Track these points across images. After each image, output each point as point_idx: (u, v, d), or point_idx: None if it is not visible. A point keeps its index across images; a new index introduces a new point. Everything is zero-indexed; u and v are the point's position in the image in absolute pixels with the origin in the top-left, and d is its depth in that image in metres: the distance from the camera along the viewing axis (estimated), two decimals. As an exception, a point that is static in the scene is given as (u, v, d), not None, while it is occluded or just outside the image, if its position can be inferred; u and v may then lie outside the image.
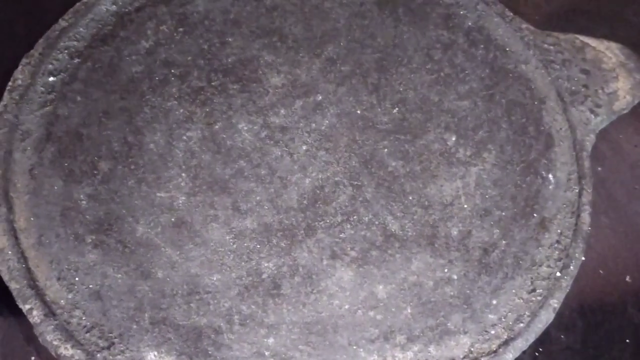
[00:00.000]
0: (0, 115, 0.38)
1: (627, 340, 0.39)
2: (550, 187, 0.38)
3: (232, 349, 0.33)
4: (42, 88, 0.40)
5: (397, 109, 0.42)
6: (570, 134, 0.40)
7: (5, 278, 0.34)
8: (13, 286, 0.33)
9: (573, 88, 0.42)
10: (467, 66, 0.43)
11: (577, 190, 0.38)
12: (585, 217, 0.37)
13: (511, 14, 0.45)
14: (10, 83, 0.39)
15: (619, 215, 0.43)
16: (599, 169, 0.44)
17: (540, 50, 0.43)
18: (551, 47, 0.43)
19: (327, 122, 0.41)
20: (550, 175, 0.38)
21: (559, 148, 0.40)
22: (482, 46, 0.44)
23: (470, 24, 0.45)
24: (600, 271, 0.41)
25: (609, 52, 0.43)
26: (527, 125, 0.41)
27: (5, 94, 0.39)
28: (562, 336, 0.38)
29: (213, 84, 0.42)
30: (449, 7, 0.45)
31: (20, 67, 0.40)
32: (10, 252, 0.34)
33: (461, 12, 0.45)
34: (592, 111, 0.41)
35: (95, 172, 0.38)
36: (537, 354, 0.37)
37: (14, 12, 0.47)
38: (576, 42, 0.44)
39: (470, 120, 0.41)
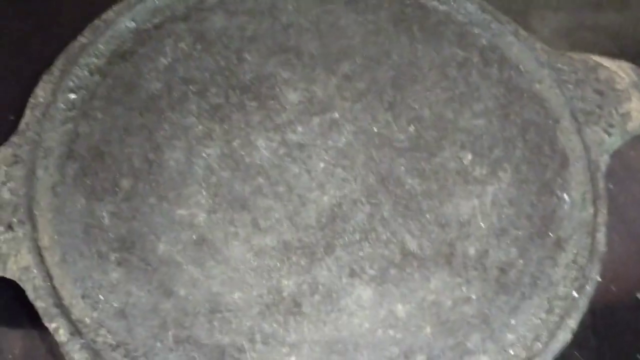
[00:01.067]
0: (22, 133, 0.39)
1: (638, 356, 0.40)
2: (566, 206, 0.39)
3: (254, 367, 0.34)
4: (63, 105, 0.40)
5: (412, 126, 0.42)
6: (584, 154, 0.41)
7: (31, 297, 0.34)
8: (39, 305, 0.34)
9: (587, 108, 0.42)
10: (482, 84, 0.44)
11: (592, 211, 0.39)
12: (601, 237, 0.38)
13: (525, 33, 0.46)
14: (31, 100, 0.40)
15: (630, 231, 0.44)
16: (611, 186, 0.44)
17: (554, 69, 0.44)
18: (565, 67, 0.44)
19: (344, 139, 0.41)
20: (565, 195, 0.39)
21: (573, 168, 0.40)
22: (496, 65, 0.44)
23: (484, 42, 0.45)
24: (612, 287, 0.42)
25: (621, 72, 0.43)
26: (542, 145, 0.41)
27: (27, 111, 0.39)
28: (575, 353, 0.39)
29: (231, 100, 0.42)
30: (462, 25, 0.46)
31: (41, 84, 0.40)
32: (35, 271, 0.34)
33: (475, 31, 0.46)
34: (606, 131, 0.42)
35: (117, 189, 0.38)
36: (551, 370, 0.38)
37: (29, 27, 0.47)
38: (589, 62, 0.44)
39: (486, 139, 0.42)
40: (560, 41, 0.53)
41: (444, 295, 0.36)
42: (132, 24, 0.44)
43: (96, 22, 0.43)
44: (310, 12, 0.46)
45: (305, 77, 0.43)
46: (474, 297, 0.36)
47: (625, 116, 0.42)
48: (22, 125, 0.39)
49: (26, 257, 0.35)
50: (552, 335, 0.35)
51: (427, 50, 0.45)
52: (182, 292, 0.35)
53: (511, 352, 0.35)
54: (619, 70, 0.43)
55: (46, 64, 0.41)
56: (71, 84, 0.41)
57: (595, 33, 0.54)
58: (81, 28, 0.43)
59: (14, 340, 0.38)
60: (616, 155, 0.44)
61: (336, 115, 0.42)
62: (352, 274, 0.37)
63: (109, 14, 0.43)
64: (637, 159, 0.46)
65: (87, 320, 0.34)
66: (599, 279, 0.37)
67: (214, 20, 0.45)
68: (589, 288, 0.36)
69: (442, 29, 0.46)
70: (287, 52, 0.44)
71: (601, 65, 0.44)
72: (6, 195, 0.37)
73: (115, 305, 0.35)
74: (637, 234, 0.44)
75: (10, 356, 0.37)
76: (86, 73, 0.41)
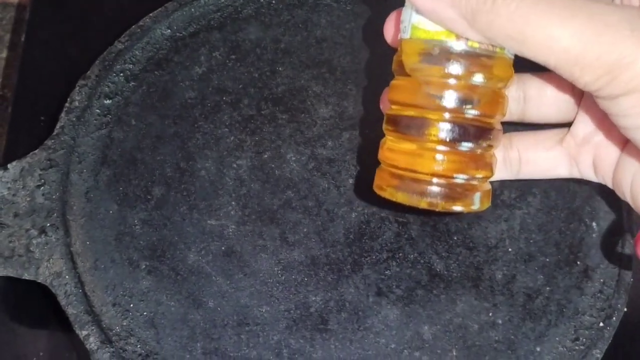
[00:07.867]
0: (57, 137, 0.39)
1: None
2: (594, 235, 0.39)
3: (280, 382, 0.34)
4: (98, 110, 0.40)
5: (442, 146, 0.42)
6: (614, 183, 0.41)
7: (63, 303, 0.34)
8: (70, 311, 0.34)
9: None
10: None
11: (619, 241, 0.39)
12: (628, 268, 0.38)
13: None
14: (67, 104, 0.40)
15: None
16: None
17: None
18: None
19: (373, 156, 0.42)
20: (594, 224, 0.39)
21: (602, 196, 0.40)
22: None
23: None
24: (625, 309, 0.41)
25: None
26: (571, 172, 0.41)
27: (63, 114, 0.40)
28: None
29: (263, 112, 0.42)
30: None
31: (77, 89, 0.41)
32: (67, 277, 0.35)
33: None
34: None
35: (149, 197, 0.38)
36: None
37: (66, 31, 0.47)
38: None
39: (515, 163, 0.42)
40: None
41: (470, 319, 0.36)
42: (168, 32, 0.44)
43: (133, 28, 0.43)
44: (344, 27, 0.46)
45: (337, 92, 0.44)
46: (500, 322, 0.36)
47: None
48: (58, 128, 0.39)
49: (58, 263, 0.35)
50: (577, 364, 0.35)
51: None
52: (210, 304, 0.36)
53: (536, 380, 0.35)
54: None
55: (82, 68, 0.42)
56: (107, 89, 0.41)
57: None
58: (118, 34, 0.43)
59: (40, 342, 0.38)
60: None
61: (366, 131, 0.42)
62: (379, 292, 0.37)
63: (146, 21, 0.44)
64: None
65: (117, 328, 0.34)
66: (625, 310, 0.37)
67: (249, 31, 0.45)
68: (615, 319, 0.36)
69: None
70: (320, 66, 0.44)
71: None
72: (40, 199, 0.37)
73: (145, 314, 0.35)
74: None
75: (34, 359, 0.38)
76: (122, 79, 0.42)
